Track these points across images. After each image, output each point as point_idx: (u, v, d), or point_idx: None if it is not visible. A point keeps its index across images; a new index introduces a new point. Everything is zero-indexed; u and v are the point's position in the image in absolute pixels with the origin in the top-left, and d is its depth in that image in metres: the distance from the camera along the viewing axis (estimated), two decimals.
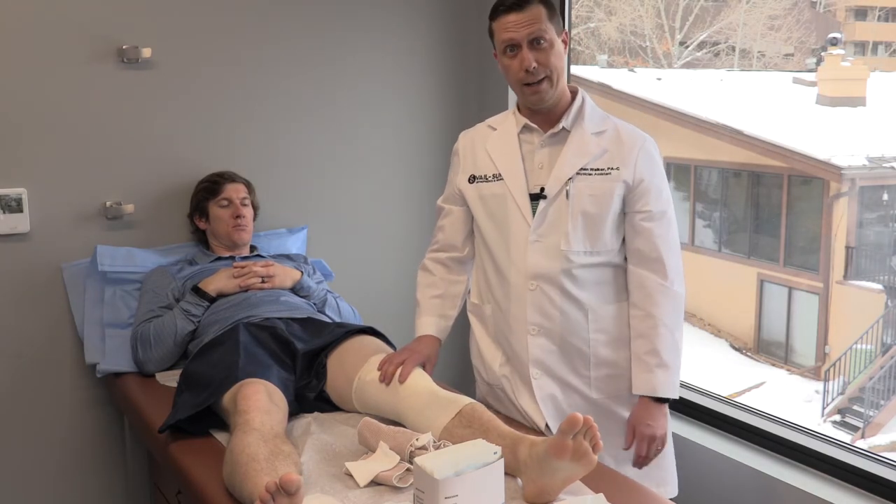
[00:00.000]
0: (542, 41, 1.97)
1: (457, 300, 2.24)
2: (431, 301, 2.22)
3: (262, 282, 2.54)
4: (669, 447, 2.13)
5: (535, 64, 1.96)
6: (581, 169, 2.01)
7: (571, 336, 2.04)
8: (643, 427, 2.01)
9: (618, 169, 2.01)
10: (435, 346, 2.16)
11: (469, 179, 2.15)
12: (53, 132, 2.58)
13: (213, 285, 2.52)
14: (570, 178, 2.01)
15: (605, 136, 2.05)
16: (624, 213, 2.05)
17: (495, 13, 2.01)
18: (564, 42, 2.03)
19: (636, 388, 2.03)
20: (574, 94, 2.09)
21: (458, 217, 2.21)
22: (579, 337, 2.05)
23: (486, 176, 2.12)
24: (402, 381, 1.99)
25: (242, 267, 2.55)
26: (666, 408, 2.04)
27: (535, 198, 2.04)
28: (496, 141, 2.12)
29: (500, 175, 2.08)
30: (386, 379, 2.02)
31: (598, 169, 2.02)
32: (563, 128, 2.04)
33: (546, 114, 2.06)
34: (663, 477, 2.11)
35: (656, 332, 2.00)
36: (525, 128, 2.09)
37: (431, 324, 2.19)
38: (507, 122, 2.13)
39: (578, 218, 2.01)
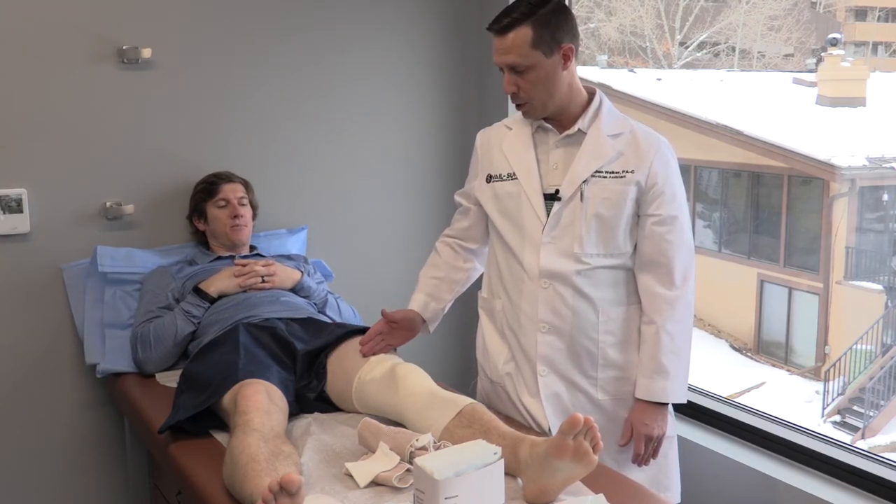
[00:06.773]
0: (520, 68, 1.95)
1: (455, 286, 2.26)
2: (429, 280, 2.25)
3: (263, 281, 2.54)
4: (674, 454, 2.13)
5: (514, 89, 1.97)
6: (596, 171, 2.00)
7: (581, 335, 2.04)
8: (640, 426, 2.02)
9: (632, 172, 2.00)
10: (413, 322, 2.20)
11: (486, 179, 2.15)
12: (53, 132, 2.58)
13: (214, 286, 2.51)
14: (584, 181, 2.00)
15: (622, 138, 2.03)
16: (638, 216, 2.04)
17: (490, 30, 2.00)
18: (566, 55, 1.96)
19: (636, 392, 2.04)
20: (591, 94, 2.07)
21: (474, 213, 2.23)
22: (589, 337, 2.04)
23: (501, 175, 2.12)
24: (364, 355, 2.14)
25: (244, 265, 2.55)
26: (666, 409, 2.04)
27: (550, 198, 2.04)
28: (511, 140, 2.12)
29: (514, 174, 2.08)
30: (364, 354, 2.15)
31: (612, 172, 2.01)
32: (579, 129, 2.04)
33: (560, 116, 2.05)
34: (667, 484, 2.11)
35: (657, 339, 2.01)
36: (540, 128, 2.08)
37: (419, 301, 2.23)
38: (523, 122, 2.12)
39: (592, 221, 2.00)
